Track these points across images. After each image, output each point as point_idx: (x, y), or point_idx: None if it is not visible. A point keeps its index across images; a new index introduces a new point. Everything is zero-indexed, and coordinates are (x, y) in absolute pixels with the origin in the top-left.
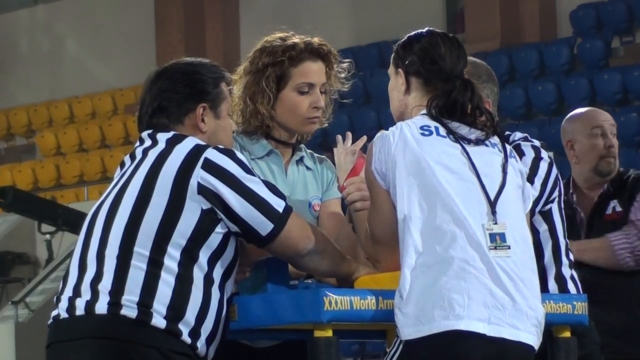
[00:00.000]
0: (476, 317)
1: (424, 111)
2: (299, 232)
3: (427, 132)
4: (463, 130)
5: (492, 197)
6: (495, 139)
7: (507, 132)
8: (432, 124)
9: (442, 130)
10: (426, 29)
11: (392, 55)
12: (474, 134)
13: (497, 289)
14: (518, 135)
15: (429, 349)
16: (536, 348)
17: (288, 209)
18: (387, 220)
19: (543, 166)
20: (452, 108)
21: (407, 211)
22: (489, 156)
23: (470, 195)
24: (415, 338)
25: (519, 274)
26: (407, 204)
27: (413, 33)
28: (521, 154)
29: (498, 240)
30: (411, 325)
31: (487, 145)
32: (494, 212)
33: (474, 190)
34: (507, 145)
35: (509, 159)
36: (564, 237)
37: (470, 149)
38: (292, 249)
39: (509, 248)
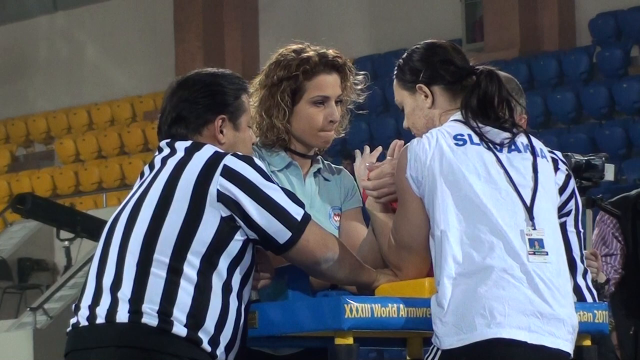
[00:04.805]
0: (517, 325)
1: (454, 117)
2: (317, 240)
3: (461, 142)
4: (493, 134)
5: (528, 203)
6: (524, 138)
7: None
8: (465, 131)
9: (476, 138)
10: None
11: (396, 80)
12: (503, 135)
13: (535, 297)
14: None
15: (471, 356)
16: (572, 355)
17: (306, 217)
18: (419, 227)
19: (560, 176)
20: (485, 106)
21: (444, 222)
22: (521, 162)
23: (506, 204)
24: (456, 347)
25: (555, 282)
26: (444, 215)
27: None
28: None
29: (537, 246)
30: (452, 335)
31: (519, 150)
32: (532, 218)
33: (509, 199)
34: (535, 144)
35: (538, 159)
36: (579, 249)
37: (502, 156)
38: (309, 257)
39: (547, 254)
